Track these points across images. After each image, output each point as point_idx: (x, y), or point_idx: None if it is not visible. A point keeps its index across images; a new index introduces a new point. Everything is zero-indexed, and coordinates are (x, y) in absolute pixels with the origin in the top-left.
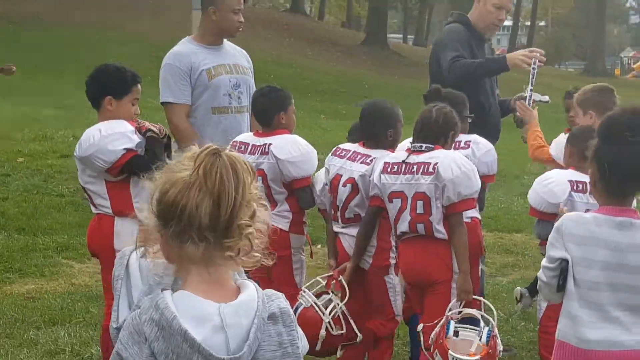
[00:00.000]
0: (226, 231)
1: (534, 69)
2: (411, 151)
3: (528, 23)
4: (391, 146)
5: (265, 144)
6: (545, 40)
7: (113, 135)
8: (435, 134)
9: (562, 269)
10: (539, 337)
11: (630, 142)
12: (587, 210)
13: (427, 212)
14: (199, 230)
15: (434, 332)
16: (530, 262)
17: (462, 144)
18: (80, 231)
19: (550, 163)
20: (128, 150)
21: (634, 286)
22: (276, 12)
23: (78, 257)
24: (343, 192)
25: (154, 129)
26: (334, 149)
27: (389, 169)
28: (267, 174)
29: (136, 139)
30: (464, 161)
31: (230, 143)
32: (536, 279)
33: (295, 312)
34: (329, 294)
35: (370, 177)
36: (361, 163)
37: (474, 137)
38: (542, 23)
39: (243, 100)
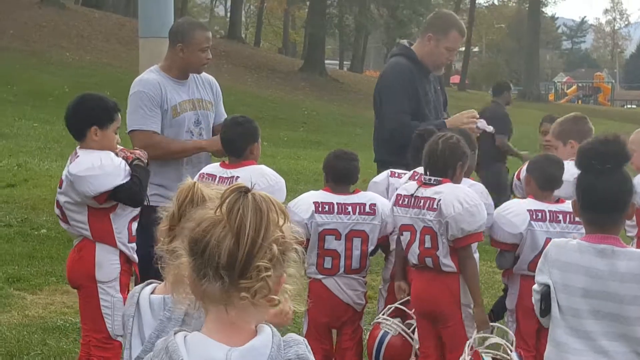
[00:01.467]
0: (243, 271)
1: (478, 128)
2: (422, 183)
3: (462, 49)
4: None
5: (233, 177)
6: (479, 66)
7: (113, 169)
8: (442, 166)
9: (544, 294)
10: None
11: (600, 170)
12: (547, 240)
13: (435, 246)
14: (216, 269)
15: None
16: (483, 289)
17: None
18: (30, 262)
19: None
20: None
21: (618, 315)
22: (214, 39)
23: (30, 289)
24: None
25: (142, 157)
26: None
27: (400, 202)
28: None
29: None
30: (467, 197)
31: (197, 175)
32: (497, 302)
33: (383, 340)
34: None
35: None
36: None
37: (479, 187)
38: (476, 49)
39: (203, 136)
